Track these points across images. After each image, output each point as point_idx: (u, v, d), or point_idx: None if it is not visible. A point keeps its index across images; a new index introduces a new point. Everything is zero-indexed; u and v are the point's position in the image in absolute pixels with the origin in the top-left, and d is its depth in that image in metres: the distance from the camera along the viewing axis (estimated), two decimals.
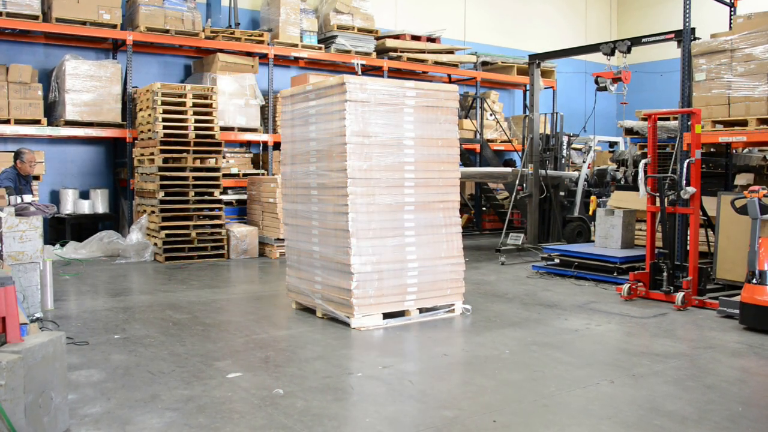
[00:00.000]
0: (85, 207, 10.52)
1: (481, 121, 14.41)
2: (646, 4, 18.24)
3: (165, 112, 9.66)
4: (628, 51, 8.53)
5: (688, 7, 7.24)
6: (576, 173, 11.50)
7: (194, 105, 9.91)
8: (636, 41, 8.60)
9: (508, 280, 8.19)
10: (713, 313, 6.20)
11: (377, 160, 5.64)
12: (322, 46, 12.45)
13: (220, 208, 10.05)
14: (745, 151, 9.48)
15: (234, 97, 11.21)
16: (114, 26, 10.35)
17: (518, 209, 12.66)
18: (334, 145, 5.67)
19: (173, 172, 9.62)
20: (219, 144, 10.05)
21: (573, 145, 12.59)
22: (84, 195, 10.80)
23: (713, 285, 6.94)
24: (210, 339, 5.24)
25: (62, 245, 9.78)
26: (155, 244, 9.59)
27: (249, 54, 11.89)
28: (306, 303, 6.20)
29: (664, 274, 6.71)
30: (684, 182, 6.53)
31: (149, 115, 9.83)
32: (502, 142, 14.84)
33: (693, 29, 7.34)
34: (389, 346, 5.13)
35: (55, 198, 10.66)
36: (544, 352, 4.94)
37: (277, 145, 11.50)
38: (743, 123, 6.78)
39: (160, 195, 9.47)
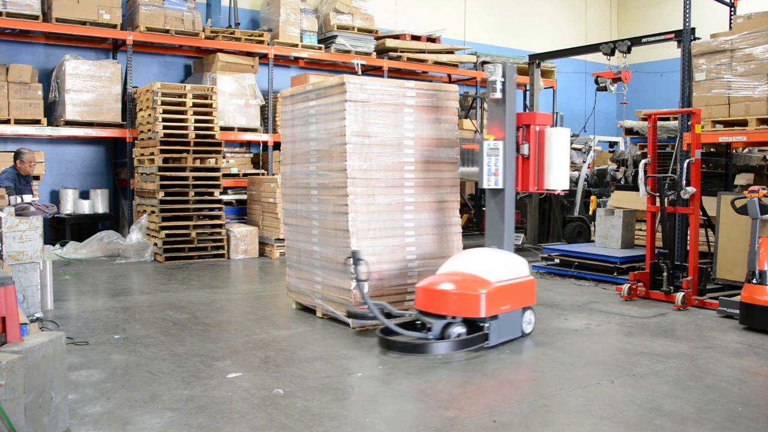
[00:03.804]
0: (85, 207, 10.52)
1: (481, 121, 14.40)
2: (646, 4, 18.25)
3: (165, 112, 9.66)
4: (628, 51, 8.53)
5: (688, 7, 7.24)
6: (576, 173, 11.50)
7: (194, 105, 9.92)
8: (636, 41, 8.60)
9: None
10: (713, 313, 6.20)
11: (377, 160, 5.64)
12: (322, 46, 12.45)
13: (220, 208, 10.06)
14: (745, 151, 9.48)
15: (234, 97, 11.22)
16: (114, 26, 10.35)
17: (518, 209, 12.65)
18: (334, 145, 5.67)
19: (173, 172, 9.62)
20: (219, 144, 10.05)
21: (573, 145, 12.58)
22: (84, 195, 10.80)
23: (713, 285, 6.94)
24: (210, 339, 5.24)
25: (62, 245, 9.78)
26: (155, 244, 9.59)
27: (249, 54, 11.90)
28: (306, 303, 6.20)
29: (664, 274, 6.71)
30: (684, 182, 6.53)
31: (149, 115, 9.83)
32: None
33: (693, 29, 7.34)
34: None
35: (55, 198, 10.67)
36: (543, 351, 4.94)
37: (277, 145, 11.50)
38: (743, 123, 6.78)
39: (160, 195, 9.47)
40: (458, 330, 4.82)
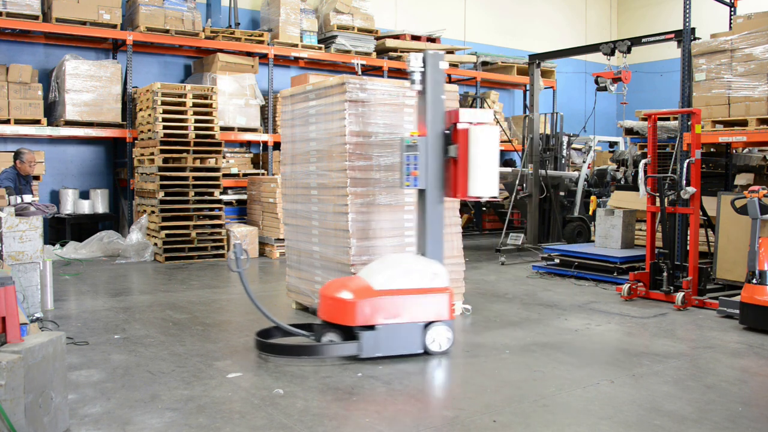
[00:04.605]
0: (85, 207, 10.53)
1: None
2: (646, 3, 18.25)
3: (165, 112, 9.66)
4: (628, 51, 8.54)
5: (688, 7, 7.24)
6: (576, 173, 11.50)
7: (194, 105, 9.92)
8: (636, 41, 8.60)
9: (508, 280, 8.19)
10: (713, 313, 6.20)
11: (377, 160, 5.64)
12: (322, 46, 12.45)
13: (220, 208, 10.06)
14: (745, 151, 9.48)
15: (234, 97, 11.22)
16: (114, 26, 10.35)
17: (518, 209, 12.66)
18: (334, 145, 5.67)
19: (173, 172, 9.62)
20: (219, 144, 10.05)
21: (573, 145, 12.59)
22: (84, 195, 10.80)
23: (713, 285, 6.94)
24: (210, 339, 5.24)
25: (62, 245, 9.79)
26: (155, 244, 9.59)
27: (249, 54, 11.90)
28: (306, 303, 6.20)
29: (664, 274, 6.71)
30: (684, 182, 6.53)
31: (149, 115, 9.84)
32: (502, 142, 14.77)
33: (693, 29, 7.34)
34: None
35: (55, 198, 10.67)
36: (544, 352, 4.94)
37: (277, 145, 11.50)
38: (743, 123, 6.78)
39: (160, 195, 9.47)
40: (331, 336, 4.67)
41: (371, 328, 4.58)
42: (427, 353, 4.70)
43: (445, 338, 4.74)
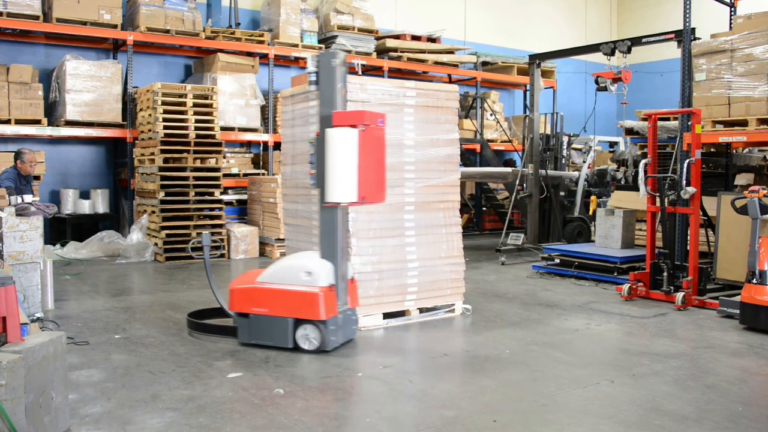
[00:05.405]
0: (85, 207, 10.53)
1: (481, 121, 14.41)
2: (645, 4, 18.26)
3: (165, 112, 9.66)
4: (628, 51, 8.54)
5: (688, 7, 7.25)
6: (576, 173, 11.51)
7: (195, 105, 9.92)
8: (636, 41, 8.61)
9: (508, 279, 8.20)
10: (713, 313, 6.21)
11: None
12: (323, 46, 12.45)
13: (220, 208, 10.06)
14: (745, 151, 9.49)
15: (234, 97, 11.22)
16: (114, 26, 10.35)
17: (518, 209, 12.66)
18: None
19: (174, 172, 9.63)
20: (219, 144, 10.06)
21: (573, 145, 12.60)
22: (84, 195, 10.80)
23: (713, 285, 6.95)
24: (210, 339, 5.24)
25: (63, 245, 9.79)
26: (155, 244, 9.60)
27: (249, 54, 11.90)
28: None
29: (665, 274, 6.71)
30: (684, 182, 6.54)
31: (150, 115, 9.84)
32: (502, 142, 14.86)
33: (693, 29, 7.35)
34: (389, 345, 5.14)
35: (56, 198, 10.67)
36: (544, 351, 4.95)
37: (277, 145, 11.50)
38: (743, 123, 6.79)
39: (161, 195, 9.48)
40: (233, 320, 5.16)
41: (243, 315, 4.99)
42: (298, 349, 4.83)
43: (313, 337, 4.81)
